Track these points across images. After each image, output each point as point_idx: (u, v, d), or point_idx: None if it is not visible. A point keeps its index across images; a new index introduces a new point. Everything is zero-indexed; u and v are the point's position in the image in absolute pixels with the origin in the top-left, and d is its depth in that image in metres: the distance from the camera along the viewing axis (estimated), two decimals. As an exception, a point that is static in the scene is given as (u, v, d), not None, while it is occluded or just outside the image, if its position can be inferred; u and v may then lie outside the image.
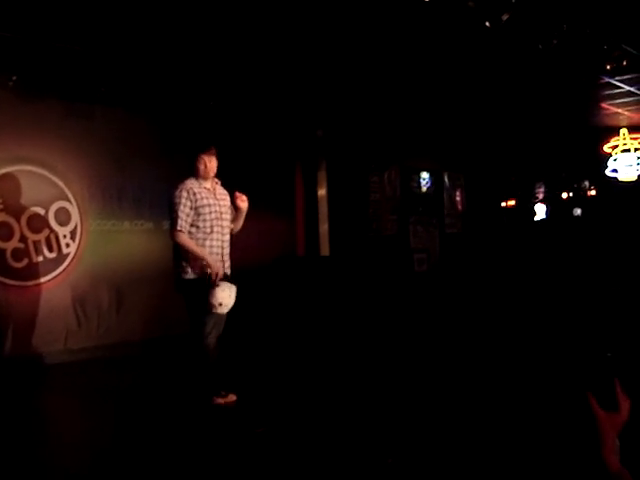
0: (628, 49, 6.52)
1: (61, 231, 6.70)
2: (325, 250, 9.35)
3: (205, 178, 4.67)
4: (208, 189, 4.68)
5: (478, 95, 8.41)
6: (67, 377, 6.05)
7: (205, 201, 4.60)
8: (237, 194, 4.75)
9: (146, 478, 3.44)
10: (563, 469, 3.08)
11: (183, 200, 4.52)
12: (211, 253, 4.56)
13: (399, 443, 3.80)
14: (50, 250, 6.60)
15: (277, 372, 5.91)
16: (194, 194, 4.56)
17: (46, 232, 6.57)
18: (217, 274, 4.44)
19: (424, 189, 11.01)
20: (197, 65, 6.70)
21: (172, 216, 4.54)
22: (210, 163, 4.67)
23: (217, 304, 4.42)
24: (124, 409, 4.79)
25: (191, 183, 4.62)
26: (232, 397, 4.70)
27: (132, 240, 7.23)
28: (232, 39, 6.06)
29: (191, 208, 4.53)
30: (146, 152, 7.32)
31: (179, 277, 4.53)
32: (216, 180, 4.80)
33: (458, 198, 11.67)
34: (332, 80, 7.48)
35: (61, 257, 6.68)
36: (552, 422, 3.90)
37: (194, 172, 4.66)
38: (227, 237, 4.75)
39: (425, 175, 11.01)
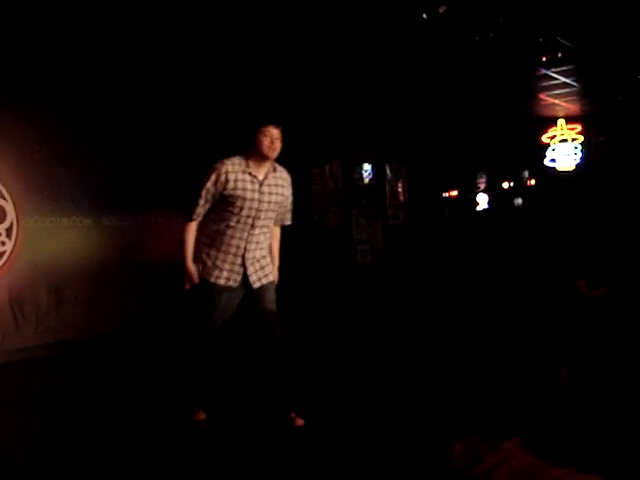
0: (562, 41, 6.58)
1: (-4, 229, 6.41)
2: (266, 244, 9.20)
3: (263, 159, 3.84)
4: (254, 176, 3.84)
5: (418, 87, 8.39)
6: (3, 379, 5.78)
7: (240, 192, 3.77)
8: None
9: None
10: None
11: (209, 184, 3.78)
12: (227, 252, 3.86)
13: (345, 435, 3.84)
14: (-17, 249, 6.30)
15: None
16: (226, 181, 3.76)
17: (-20, 230, 6.28)
18: (189, 281, 3.89)
19: (366, 181, 10.94)
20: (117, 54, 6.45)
21: (191, 198, 3.83)
22: (276, 140, 3.80)
23: None
24: (62, 412, 4.62)
25: (232, 164, 3.82)
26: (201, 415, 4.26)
27: (71, 237, 7.01)
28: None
29: (214, 196, 3.80)
30: (85, 147, 7.10)
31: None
32: (275, 166, 3.97)
33: (400, 189, 11.67)
34: (272, 72, 7.32)
35: (-5, 256, 6.39)
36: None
37: (249, 148, 3.82)
38: (256, 239, 3.91)
39: (367, 167, 10.95)
